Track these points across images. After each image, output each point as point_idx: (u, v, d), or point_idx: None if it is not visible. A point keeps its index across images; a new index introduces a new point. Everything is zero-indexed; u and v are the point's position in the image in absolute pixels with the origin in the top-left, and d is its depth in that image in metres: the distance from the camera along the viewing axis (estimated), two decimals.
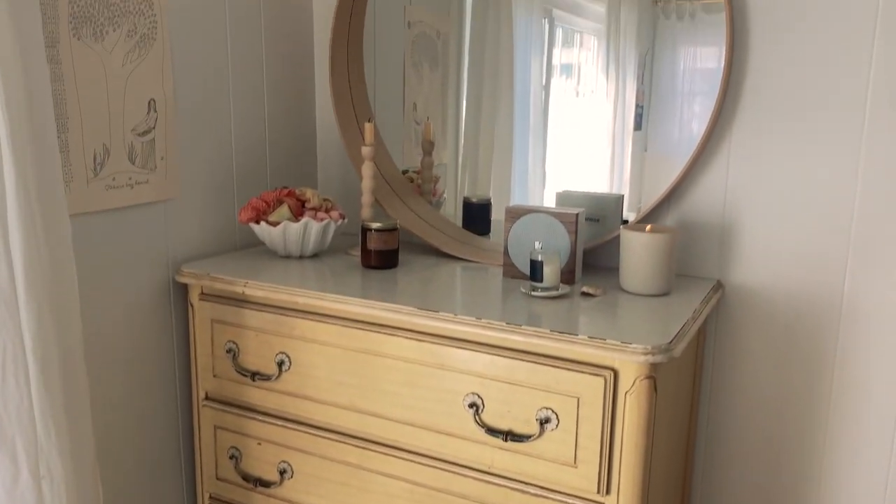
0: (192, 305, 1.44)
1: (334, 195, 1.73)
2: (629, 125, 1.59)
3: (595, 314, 1.21)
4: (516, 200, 1.81)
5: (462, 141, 1.87)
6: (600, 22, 1.62)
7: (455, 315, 1.17)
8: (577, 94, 1.67)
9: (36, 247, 1.07)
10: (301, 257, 1.54)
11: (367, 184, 1.56)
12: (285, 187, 1.55)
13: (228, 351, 1.40)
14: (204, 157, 1.51)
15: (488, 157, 1.85)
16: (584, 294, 1.30)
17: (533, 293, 1.27)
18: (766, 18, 1.34)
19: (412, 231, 1.62)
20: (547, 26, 1.73)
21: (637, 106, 1.57)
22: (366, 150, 1.55)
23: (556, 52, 1.71)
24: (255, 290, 1.34)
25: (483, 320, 1.14)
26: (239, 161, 1.60)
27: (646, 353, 1.04)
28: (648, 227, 1.33)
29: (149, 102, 1.35)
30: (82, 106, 1.23)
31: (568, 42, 1.73)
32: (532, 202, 1.80)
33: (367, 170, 1.56)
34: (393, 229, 1.46)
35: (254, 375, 1.37)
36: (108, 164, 1.29)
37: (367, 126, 1.56)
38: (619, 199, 1.59)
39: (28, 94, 1.03)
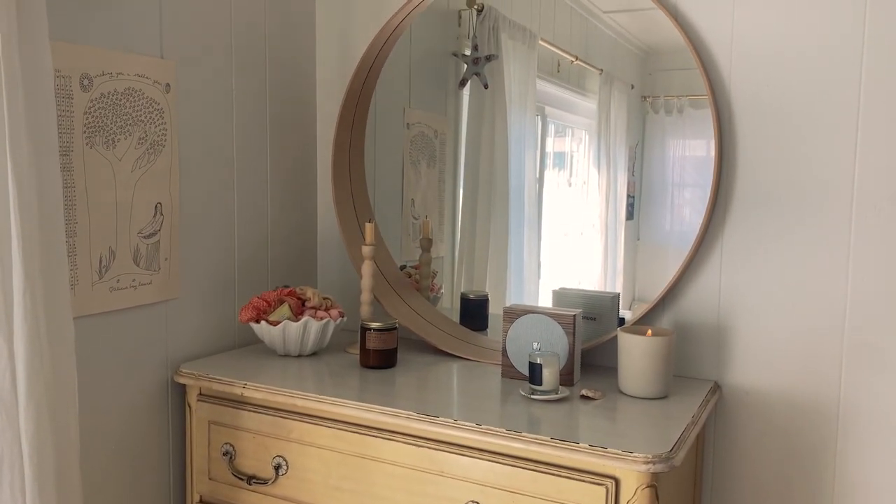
0: (189, 406, 1.43)
1: (334, 292, 1.75)
2: (621, 215, 1.64)
3: (595, 419, 1.21)
4: (513, 294, 1.84)
5: (459, 235, 1.90)
6: (591, 117, 1.69)
7: (455, 420, 1.17)
8: (570, 185, 1.73)
9: (39, 352, 1.08)
10: (300, 356, 1.54)
11: (366, 282, 1.58)
12: (286, 286, 1.57)
13: (225, 454, 1.38)
14: (206, 256, 1.54)
15: (484, 250, 1.88)
16: (584, 397, 1.30)
17: (532, 396, 1.27)
18: (751, 115, 1.39)
19: (410, 328, 1.63)
20: (539, 122, 1.79)
21: (629, 196, 1.62)
22: (366, 250, 1.58)
23: (549, 145, 1.77)
24: (254, 392, 1.34)
25: (483, 426, 1.14)
26: (241, 260, 1.63)
27: (647, 462, 1.04)
28: (648, 331, 1.35)
29: (155, 206, 1.39)
30: (91, 211, 1.27)
31: (560, 135, 1.80)
32: (528, 296, 1.82)
33: (366, 269, 1.58)
34: (392, 329, 1.47)
35: (250, 479, 1.35)
36: (113, 266, 1.31)
37: (368, 226, 1.59)
38: (615, 298, 1.61)
39: (40, 201, 1.06)
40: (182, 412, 1.47)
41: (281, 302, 1.50)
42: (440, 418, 1.18)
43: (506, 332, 1.43)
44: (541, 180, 1.80)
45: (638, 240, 1.62)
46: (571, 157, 1.80)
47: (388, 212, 1.85)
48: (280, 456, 1.33)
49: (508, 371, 1.43)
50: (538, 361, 1.28)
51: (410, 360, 1.54)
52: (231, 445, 1.38)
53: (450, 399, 1.31)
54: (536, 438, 1.10)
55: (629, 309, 1.62)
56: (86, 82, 1.25)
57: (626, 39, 1.62)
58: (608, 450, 1.06)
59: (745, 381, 1.42)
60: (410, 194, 1.90)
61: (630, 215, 1.62)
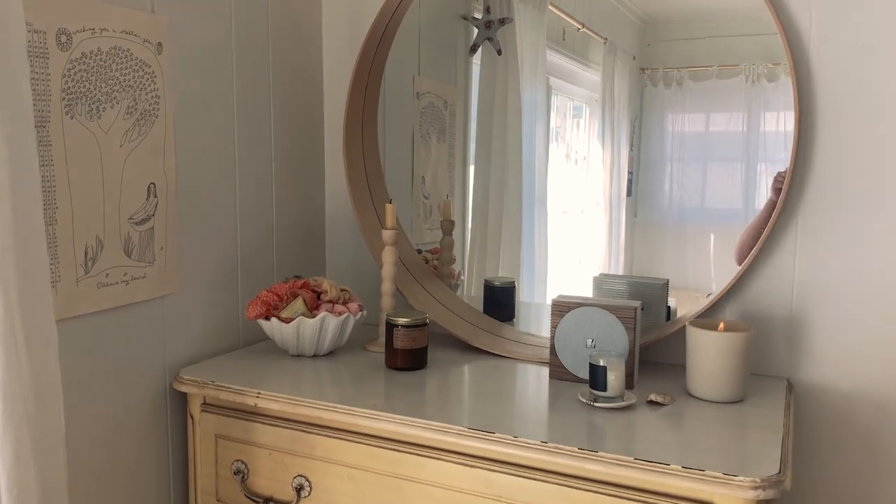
0: (192, 417, 1.24)
1: (346, 283, 1.56)
2: (623, 191, 1.53)
3: (671, 430, 1.05)
4: (525, 279, 1.68)
5: (471, 216, 1.73)
6: (594, 90, 1.57)
7: (515, 437, 0.99)
8: (575, 161, 1.61)
9: (16, 363, 0.88)
10: (315, 356, 1.36)
11: (388, 271, 1.40)
12: (298, 277, 1.38)
13: (237, 472, 1.20)
14: (207, 245, 1.34)
15: (497, 231, 1.72)
16: (651, 403, 1.14)
17: (595, 403, 1.11)
18: (834, 81, 1.22)
19: (436, 321, 1.45)
20: (545, 94, 1.65)
21: (629, 172, 1.52)
22: (387, 235, 1.39)
23: (553, 118, 1.64)
24: (270, 402, 1.15)
25: (551, 444, 0.97)
26: (244, 248, 1.43)
27: (756, 487, 0.87)
28: (721, 324, 1.19)
29: (148, 187, 1.18)
30: (74, 193, 1.06)
31: (563, 107, 1.66)
32: (541, 280, 1.67)
33: (388, 255, 1.40)
34: (422, 325, 1.29)
35: (266, 502, 1.17)
36: (101, 258, 1.11)
37: (388, 208, 1.41)
38: (665, 286, 1.45)
39: (13, 181, 0.86)
40: (183, 424, 1.28)
41: (294, 296, 1.31)
42: (497, 434, 1.00)
43: (555, 326, 1.26)
44: (546, 155, 1.65)
45: (635, 216, 1.50)
46: (574, 130, 1.67)
47: (397, 190, 1.67)
48: (302, 475, 1.15)
49: (557, 372, 1.26)
50: (601, 363, 1.11)
51: (439, 359, 1.36)
52: (243, 463, 1.20)
53: (498, 408, 1.13)
54: (618, 459, 0.94)
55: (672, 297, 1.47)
56: (64, 39, 1.04)
57: (626, 7, 1.50)
58: (706, 472, 0.90)
59: (822, 379, 1.27)
60: (420, 171, 1.72)
61: (629, 191, 1.51)
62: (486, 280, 1.67)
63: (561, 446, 0.97)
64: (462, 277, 1.73)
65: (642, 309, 1.44)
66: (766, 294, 1.29)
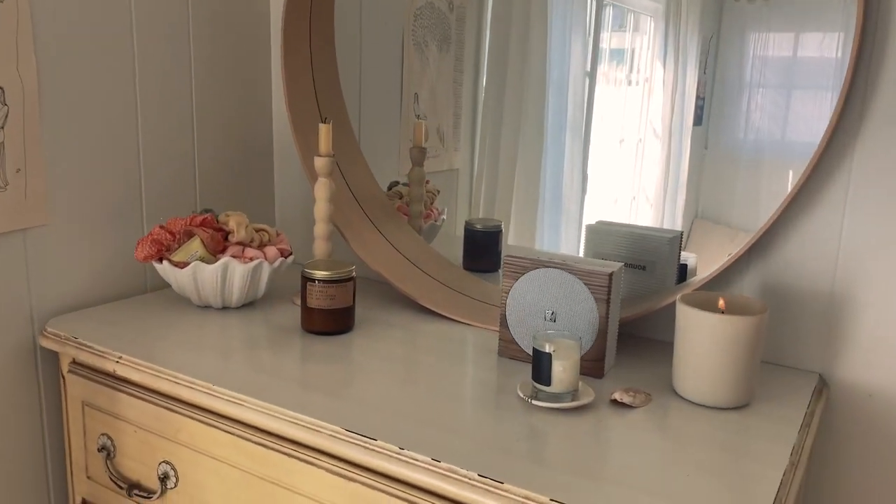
0: (63, 378, 1.03)
1: (297, 224, 1.31)
2: (688, 120, 1.24)
3: (624, 450, 0.75)
4: (546, 223, 1.38)
5: (479, 142, 1.43)
6: (658, 1, 1.27)
7: (400, 450, 0.72)
8: (629, 83, 1.31)
9: None
10: (226, 308, 1.11)
11: (320, 209, 1.13)
12: (209, 211, 1.12)
13: (102, 448, 0.98)
14: (92, 170, 1.09)
15: (511, 162, 1.41)
16: (615, 403, 0.84)
17: (534, 401, 0.82)
18: None
19: (383, 274, 1.17)
20: (593, 3, 1.33)
21: (698, 98, 1.24)
22: (320, 163, 1.11)
23: (605, 34, 1.32)
24: (130, 371, 0.92)
25: (443, 465, 0.70)
26: (152, 177, 1.18)
27: None
28: (721, 301, 0.87)
29: None
30: None
31: (619, 21, 1.33)
32: (568, 222, 1.37)
33: (320, 190, 1.12)
34: (346, 280, 1.02)
35: (132, 489, 0.95)
36: None
37: (322, 129, 1.12)
38: (675, 240, 1.13)
39: None
40: (57, 386, 1.07)
41: (190, 235, 1.05)
42: (379, 443, 0.73)
43: (506, 292, 0.97)
44: (592, 75, 1.33)
45: (706, 149, 1.22)
46: (632, 49, 1.34)
47: (380, 110, 1.39)
48: (168, 462, 0.92)
49: (508, 349, 0.98)
50: (546, 349, 0.82)
51: (375, 321, 1.09)
52: (109, 438, 0.98)
53: (408, 400, 0.86)
54: (525, 498, 0.65)
55: (687, 249, 1.16)
56: None
57: None
58: None
59: (868, 377, 0.94)
60: (414, 88, 1.42)
61: (698, 120, 1.23)
62: (466, 223, 1.38)
63: (455, 470, 0.69)
64: (443, 217, 1.44)
65: (643, 268, 1.13)
66: (801, 260, 0.95)
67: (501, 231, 1.37)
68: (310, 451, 0.79)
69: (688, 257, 1.17)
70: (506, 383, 0.89)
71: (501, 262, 1.38)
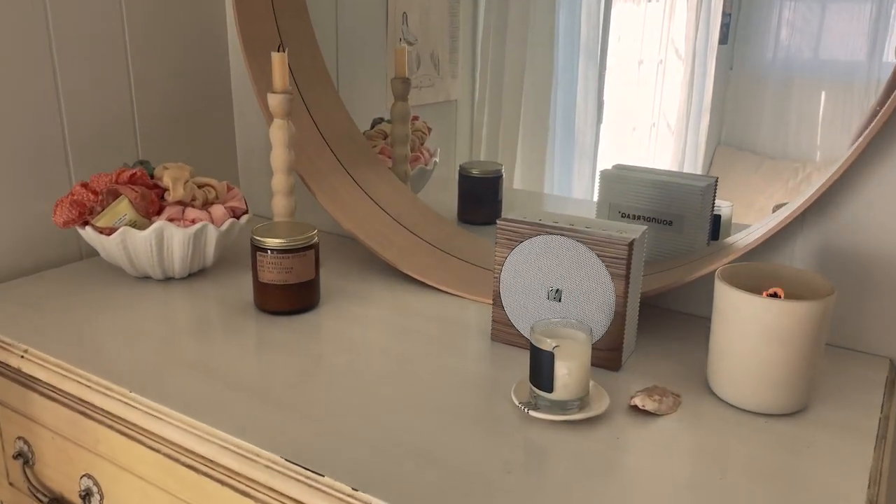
0: None
1: (262, 173, 1.11)
2: (714, 38, 1.10)
3: (649, 481, 0.58)
4: (558, 156, 1.20)
5: (479, 69, 1.23)
6: None
7: (354, 491, 0.55)
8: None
9: None
10: (169, 279, 0.93)
11: (277, 157, 0.93)
12: (144, 164, 0.93)
13: (18, 455, 0.82)
14: None
15: (517, 91, 1.21)
16: (635, 409, 0.66)
17: (532, 412, 0.64)
18: None
19: (359, 236, 0.98)
20: None
21: (724, 14, 1.10)
22: (275, 101, 0.91)
23: None
24: (35, 368, 0.74)
25: (359, 493, 0.53)
26: (76, 122, 0.98)
27: None
28: (777, 288, 0.67)
29: None
30: None
31: None
32: (581, 162, 1.19)
33: (276, 134, 0.93)
34: (306, 248, 0.83)
35: (53, 502, 0.80)
36: None
37: (277, 59, 0.91)
38: (710, 189, 0.94)
39: None
40: None
41: (115, 195, 0.87)
42: (326, 479, 0.56)
43: (500, 264, 0.78)
44: None
45: (731, 69, 1.08)
46: None
47: (362, 34, 1.18)
48: (89, 476, 0.76)
49: (503, 333, 0.79)
50: (547, 346, 0.63)
51: (351, 294, 0.91)
52: (26, 443, 0.82)
53: (377, 410, 0.68)
54: None
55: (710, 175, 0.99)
56: None
57: None
58: None
59: None
60: (402, 6, 1.21)
61: (724, 38, 1.10)
62: (461, 167, 1.18)
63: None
64: (436, 160, 1.25)
65: (670, 224, 0.94)
66: (870, 220, 0.75)
67: (502, 176, 1.18)
68: (249, 479, 0.62)
69: (721, 205, 0.98)
70: (500, 380, 0.71)
71: (502, 209, 1.20)
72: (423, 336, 0.81)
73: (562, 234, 0.73)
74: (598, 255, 0.72)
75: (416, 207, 1.10)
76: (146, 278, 0.93)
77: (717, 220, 0.97)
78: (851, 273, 0.77)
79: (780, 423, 0.65)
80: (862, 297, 0.77)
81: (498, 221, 0.77)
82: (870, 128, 0.69)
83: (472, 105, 1.24)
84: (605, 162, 1.11)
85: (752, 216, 0.97)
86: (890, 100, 0.68)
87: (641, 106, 1.11)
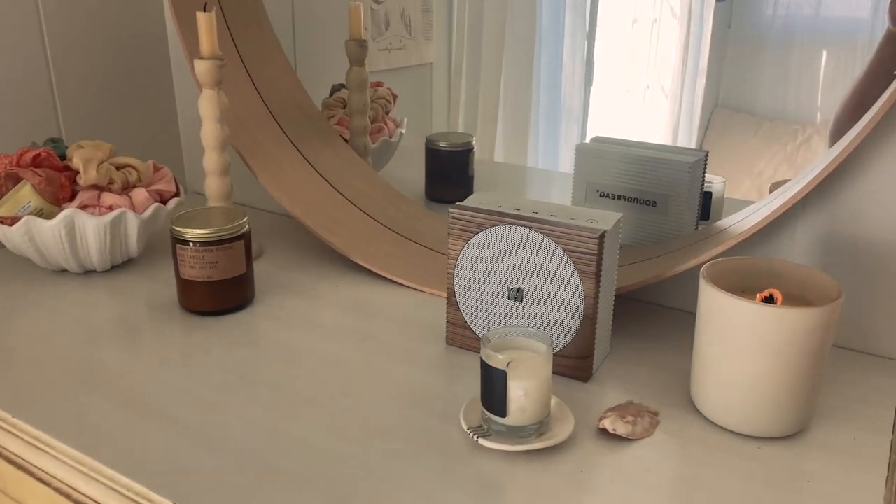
0: None
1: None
2: None
3: None
4: (543, 124, 1.10)
5: (455, 30, 1.13)
6: None
7: None
8: None
9: None
10: (89, 272, 0.83)
11: (207, 133, 0.82)
12: (54, 141, 0.82)
13: None
14: None
15: (497, 50, 1.10)
16: (604, 432, 0.56)
17: (482, 440, 0.54)
18: None
19: (304, 221, 0.88)
20: None
21: None
22: (202, 69, 0.80)
23: None
24: None
25: None
26: None
27: None
28: (775, 291, 0.57)
29: None
30: None
31: None
32: (567, 125, 1.08)
33: (205, 106, 0.81)
34: (233, 239, 0.73)
35: None
36: None
37: (202, 20, 0.80)
38: (699, 165, 0.83)
39: None
40: None
41: (17, 179, 0.76)
42: None
43: (454, 259, 0.67)
44: None
45: (729, 28, 0.99)
46: None
47: None
48: None
49: (460, 336, 0.69)
50: (498, 364, 0.53)
51: (292, 289, 0.81)
52: None
53: (303, 437, 0.58)
54: None
55: (706, 141, 0.89)
56: None
57: None
58: None
59: None
60: None
61: None
62: (427, 139, 1.07)
63: None
64: (402, 131, 1.14)
65: (654, 205, 0.84)
66: (880, 203, 0.65)
67: (472, 149, 1.07)
68: None
69: (712, 181, 0.88)
70: (451, 396, 0.61)
71: (473, 185, 1.10)
72: (369, 340, 0.70)
73: (522, 225, 0.62)
74: (564, 249, 0.61)
75: (376, 185, 0.99)
76: (63, 272, 0.82)
77: (707, 197, 0.86)
78: (857, 261, 0.67)
79: (775, 448, 0.55)
80: (872, 292, 0.67)
81: (450, 209, 0.66)
82: (882, 100, 0.58)
83: (448, 69, 1.13)
84: (595, 129, 1.01)
85: (750, 181, 0.87)
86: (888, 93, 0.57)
87: (635, 67, 1.00)
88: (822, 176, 0.62)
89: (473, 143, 1.07)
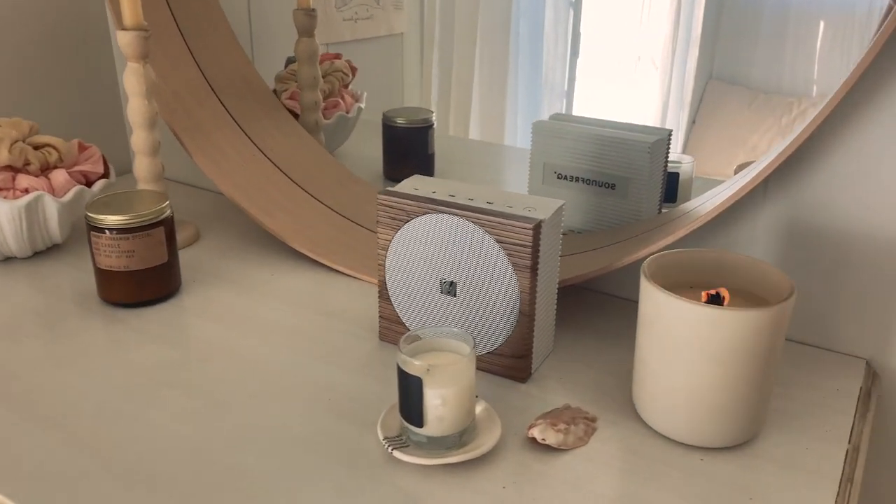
0: None
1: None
2: None
3: None
4: (523, 100, 1.06)
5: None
6: None
7: None
8: None
9: None
10: (10, 259, 0.78)
11: (134, 108, 0.76)
12: None
13: None
14: None
15: (471, 18, 1.05)
16: (534, 441, 0.52)
17: (397, 452, 0.50)
18: None
19: (242, 204, 0.82)
20: None
21: None
22: (125, 40, 0.74)
23: None
24: None
25: None
26: None
27: None
28: (722, 290, 0.52)
29: None
30: None
31: None
32: (550, 99, 1.03)
33: (130, 81, 0.75)
34: (152, 225, 0.67)
35: None
36: None
37: None
38: (661, 145, 0.78)
39: None
40: None
41: None
42: None
43: (384, 249, 0.62)
44: None
45: None
46: None
47: None
48: None
49: (392, 333, 0.64)
50: (414, 371, 0.48)
51: (224, 278, 0.76)
52: None
53: (209, 450, 0.54)
54: None
55: (700, 116, 0.85)
56: None
57: None
58: None
59: None
60: None
61: None
62: (384, 115, 1.01)
63: None
64: (361, 105, 1.08)
65: (612, 188, 0.79)
66: (849, 192, 0.59)
67: (432, 125, 1.01)
68: None
69: (680, 161, 0.83)
70: (377, 401, 0.57)
71: (433, 164, 1.04)
72: (298, 336, 0.66)
73: (454, 214, 0.57)
74: (498, 241, 0.56)
75: (326, 165, 0.94)
76: None
77: (673, 179, 0.81)
78: (825, 256, 0.62)
79: (718, 460, 0.51)
80: (836, 285, 0.62)
81: (378, 195, 0.61)
82: (842, 87, 0.53)
83: (420, 39, 1.07)
84: (580, 106, 0.95)
85: (744, 155, 0.82)
86: (872, 44, 0.52)
87: (625, 37, 0.93)
88: (782, 158, 0.56)
89: (433, 119, 1.01)
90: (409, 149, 1.01)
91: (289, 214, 0.84)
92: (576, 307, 0.70)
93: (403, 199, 0.59)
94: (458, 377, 0.49)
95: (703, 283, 0.54)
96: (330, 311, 0.70)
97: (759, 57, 0.90)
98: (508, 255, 0.56)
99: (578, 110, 0.96)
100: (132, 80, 0.75)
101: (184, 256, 0.80)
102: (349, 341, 0.65)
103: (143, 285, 0.68)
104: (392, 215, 0.60)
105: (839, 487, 0.48)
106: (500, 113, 1.08)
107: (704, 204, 0.65)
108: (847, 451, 0.51)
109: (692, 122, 0.89)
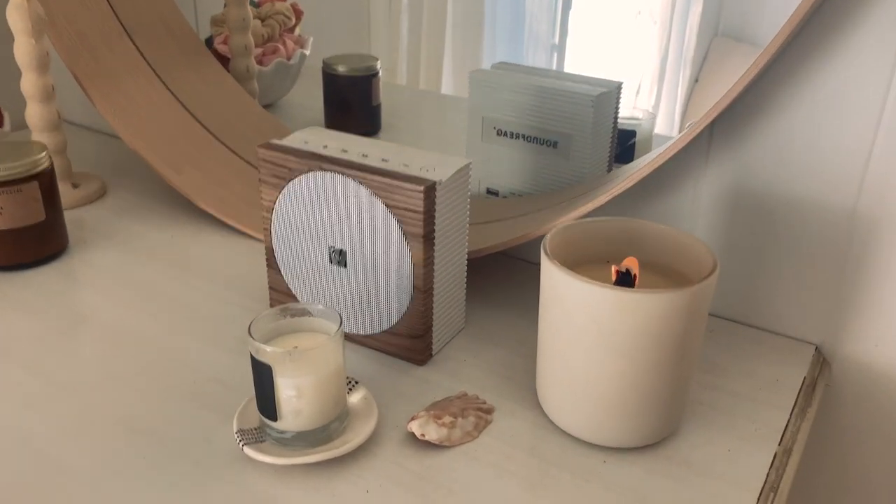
0: None
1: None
2: None
3: None
4: (502, 54, 0.96)
5: None
6: None
7: None
8: None
9: None
10: None
11: (21, 48, 0.69)
12: None
13: None
14: None
15: None
16: (413, 436, 0.45)
17: (248, 449, 0.43)
18: None
19: (144, 156, 0.74)
20: None
21: None
22: None
23: None
24: None
25: None
26: None
27: None
28: (631, 262, 0.44)
29: None
30: None
31: None
32: (535, 52, 0.94)
33: (14, 16, 0.68)
34: (26, 178, 0.60)
35: None
36: None
37: None
38: (607, 98, 0.70)
39: None
40: None
41: None
42: None
43: (268, 211, 0.55)
44: None
45: None
46: None
47: None
48: None
49: (279, 297, 0.57)
50: (263, 357, 0.41)
51: (116, 238, 0.69)
52: None
53: (55, 439, 0.47)
54: None
55: (703, 74, 0.77)
56: None
57: None
58: None
59: (890, 353, 0.53)
60: None
61: None
62: (323, 62, 0.92)
63: None
64: (305, 51, 1.00)
65: (554, 146, 0.71)
66: (797, 162, 0.52)
67: (376, 74, 0.93)
68: None
69: (639, 118, 0.75)
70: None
71: (380, 120, 0.96)
72: (180, 308, 0.59)
73: (341, 173, 0.50)
74: (387, 205, 0.48)
75: (252, 116, 0.86)
76: None
77: (627, 136, 0.73)
78: (773, 226, 0.54)
79: (624, 463, 0.44)
80: (781, 261, 0.54)
81: (258, 148, 0.53)
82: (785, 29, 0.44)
83: None
84: (573, 62, 0.86)
85: None
86: None
87: None
88: (723, 105, 0.48)
89: (378, 67, 0.93)
90: (351, 100, 0.93)
91: (199, 170, 0.76)
92: (495, 277, 0.63)
93: (286, 153, 0.52)
94: (318, 364, 0.42)
95: (618, 257, 0.46)
96: (226, 280, 0.63)
97: (768, 10, 0.82)
98: (399, 221, 0.48)
99: (570, 67, 0.87)
100: (15, 15, 0.67)
101: (83, 213, 0.73)
102: (235, 314, 0.58)
103: (16, 247, 0.61)
104: (274, 173, 0.53)
105: (758, 498, 0.41)
106: (476, 65, 0.99)
107: (642, 165, 0.57)
108: (775, 455, 0.45)
109: (695, 80, 0.81)
